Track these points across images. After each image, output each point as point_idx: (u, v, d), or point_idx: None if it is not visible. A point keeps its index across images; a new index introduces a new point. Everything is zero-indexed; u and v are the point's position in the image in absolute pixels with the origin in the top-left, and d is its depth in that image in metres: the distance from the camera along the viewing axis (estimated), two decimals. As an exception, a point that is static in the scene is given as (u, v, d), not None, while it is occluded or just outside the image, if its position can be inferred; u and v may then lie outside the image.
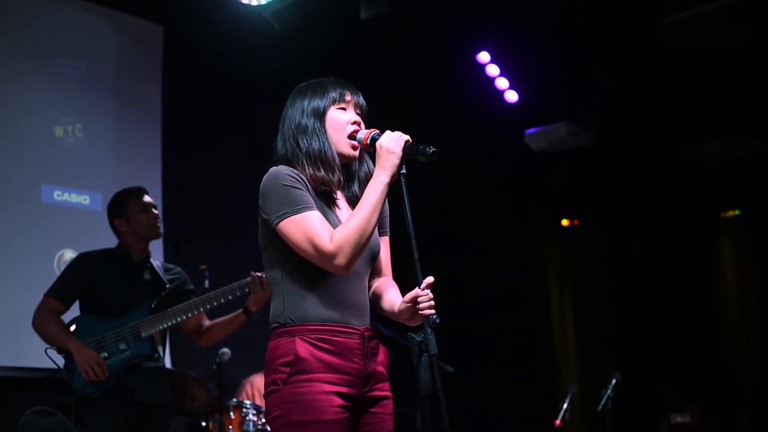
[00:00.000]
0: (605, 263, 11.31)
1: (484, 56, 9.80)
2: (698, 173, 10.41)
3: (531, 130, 9.90)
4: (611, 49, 9.16)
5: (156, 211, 6.05)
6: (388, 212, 3.84)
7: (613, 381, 7.75)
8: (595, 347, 11.03)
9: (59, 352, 5.69)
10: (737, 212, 10.84)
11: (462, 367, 8.56)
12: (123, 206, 5.98)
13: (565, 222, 11.63)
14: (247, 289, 5.79)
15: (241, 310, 5.97)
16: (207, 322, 6.16)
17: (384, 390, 3.64)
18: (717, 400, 9.99)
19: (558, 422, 7.65)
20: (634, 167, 10.48)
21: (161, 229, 6.10)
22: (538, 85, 9.82)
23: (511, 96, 9.98)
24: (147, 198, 6.05)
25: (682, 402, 9.78)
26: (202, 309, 5.86)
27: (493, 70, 9.88)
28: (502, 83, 9.95)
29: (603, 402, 7.68)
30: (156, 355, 5.77)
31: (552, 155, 10.14)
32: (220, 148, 8.88)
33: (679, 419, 9.53)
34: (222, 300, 5.83)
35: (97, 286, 5.80)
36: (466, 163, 10.65)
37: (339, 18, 9.03)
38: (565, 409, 7.74)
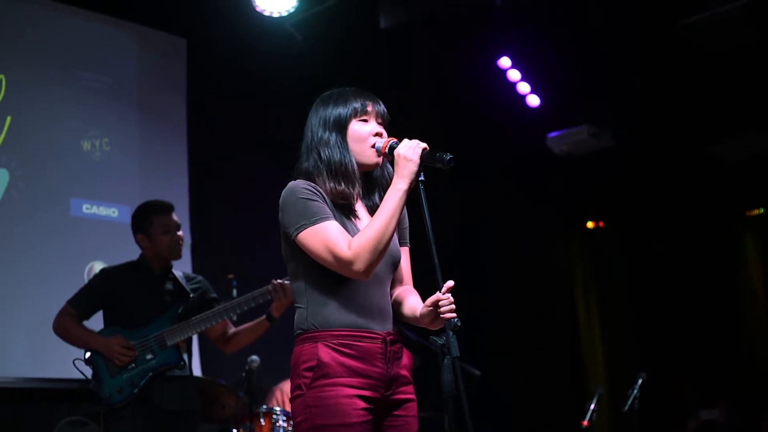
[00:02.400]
0: (631, 264, 11.31)
1: (505, 61, 9.83)
2: (721, 172, 10.38)
3: (553, 134, 9.94)
4: (630, 51, 9.18)
5: (180, 233, 6.12)
6: (407, 224, 3.92)
7: (639, 380, 7.80)
8: (622, 347, 11.02)
9: (87, 363, 5.79)
10: (761, 211, 10.81)
11: (490, 370, 8.61)
12: (147, 223, 6.06)
13: (589, 224, 11.64)
14: (269, 297, 5.85)
15: (264, 317, 6.06)
16: (232, 329, 6.24)
17: (408, 393, 3.70)
18: (744, 397, 9.98)
19: (585, 423, 7.71)
20: (657, 167, 10.49)
21: (181, 252, 6.18)
22: (559, 89, 9.84)
23: (533, 100, 10.00)
24: (173, 217, 6.12)
25: (709, 400, 9.78)
26: (225, 317, 5.94)
27: (514, 74, 9.90)
28: (523, 88, 9.97)
29: (630, 402, 7.74)
30: (181, 363, 5.86)
31: (575, 158, 10.17)
32: (245, 158, 8.95)
33: (707, 416, 9.53)
34: (245, 307, 5.91)
35: (120, 299, 5.91)
36: (489, 168, 10.70)
37: (359, 27, 9.10)
38: (592, 410, 7.80)
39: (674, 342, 10.59)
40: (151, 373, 5.75)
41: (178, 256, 6.15)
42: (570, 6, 9.02)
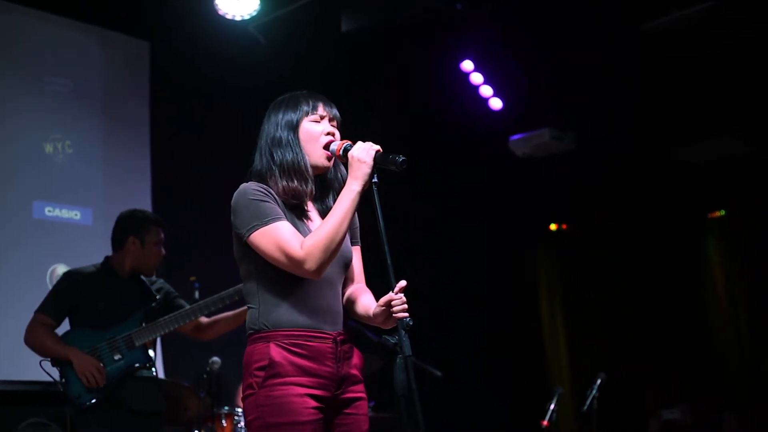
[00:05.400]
0: (594, 265, 11.38)
1: (467, 65, 9.87)
2: (684, 175, 10.44)
3: (515, 137, 9.98)
4: (592, 54, 9.24)
5: (164, 253, 6.15)
6: (358, 223, 3.95)
7: (598, 381, 7.86)
8: (586, 348, 11.09)
9: (54, 364, 5.77)
10: (723, 213, 10.89)
11: (453, 369, 8.65)
12: (145, 230, 6.05)
13: (553, 226, 11.71)
14: (236, 298, 5.88)
15: (246, 306, 6.06)
16: (205, 319, 6.23)
17: (358, 392, 3.74)
18: (706, 398, 10.05)
19: (545, 423, 7.76)
20: (620, 170, 10.54)
21: (155, 271, 6.22)
22: (521, 92, 9.88)
23: (495, 103, 10.03)
24: (163, 235, 6.16)
25: (671, 400, 9.86)
26: (193, 318, 5.96)
27: (476, 78, 9.94)
28: (485, 91, 10.00)
29: (588, 402, 7.79)
30: (148, 364, 5.87)
31: (538, 160, 10.22)
32: (209, 161, 8.95)
33: (669, 416, 9.61)
34: (212, 308, 5.93)
35: (87, 301, 5.88)
36: (453, 171, 10.74)
37: (322, 31, 9.12)
38: (552, 410, 7.85)
39: (637, 342, 10.66)
40: (120, 373, 5.75)
41: (152, 274, 6.18)
42: (532, 9, 9.06)
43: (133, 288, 6.06)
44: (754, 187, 10.13)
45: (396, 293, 3.48)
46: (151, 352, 5.97)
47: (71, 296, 5.92)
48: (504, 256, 11.29)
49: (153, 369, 5.99)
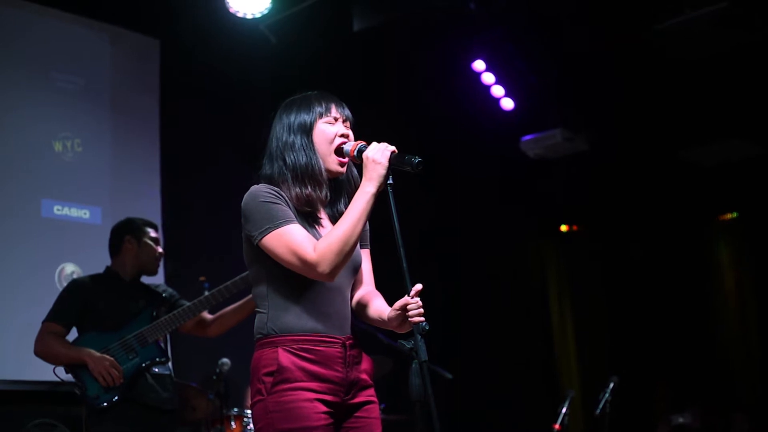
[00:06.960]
0: (604, 267, 11.35)
1: (479, 65, 9.82)
2: (695, 177, 10.44)
3: (527, 137, 9.94)
4: (604, 55, 9.19)
5: (161, 250, 6.16)
6: (368, 227, 3.88)
7: (611, 384, 7.81)
8: (596, 351, 11.07)
9: (68, 370, 5.73)
10: (734, 215, 10.87)
11: (463, 373, 8.61)
12: (138, 230, 6.09)
13: (563, 227, 11.67)
14: (242, 286, 5.86)
15: (250, 296, 6.03)
16: (209, 316, 6.25)
17: (368, 396, 3.69)
18: (716, 402, 10.03)
19: (557, 426, 7.71)
20: (631, 172, 10.53)
21: (158, 269, 6.20)
22: (533, 93, 9.84)
23: (507, 104, 9.98)
24: (155, 234, 6.17)
25: (681, 403, 9.83)
26: (203, 309, 6.01)
27: (488, 78, 9.89)
28: (497, 91, 9.95)
29: (601, 405, 7.75)
30: (164, 358, 5.87)
31: (549, 161, 10.18)
32: (219, 160, 8.91)
33: (679, 420, 9.57)
34: (220, 299, 5.97)
35: (94, 306, 5.86)
36: (464, 171, 10.70)
37: (333, 29, 9.09)
38: (564, 414, 7.80)
39: (647, 346, 10.64)
40: (136, 370, 5.73)
41: (154, 271, 6.16)
42: (544, 10, 9.01)
43: (136, 291, 6.06)
44: (766, 190, 10.10)
45: (412, 297, 3.41)
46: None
47: (79, 302, 5.89)
48: (514, 257, 11.26)
49: (169, 364, 5.99)
